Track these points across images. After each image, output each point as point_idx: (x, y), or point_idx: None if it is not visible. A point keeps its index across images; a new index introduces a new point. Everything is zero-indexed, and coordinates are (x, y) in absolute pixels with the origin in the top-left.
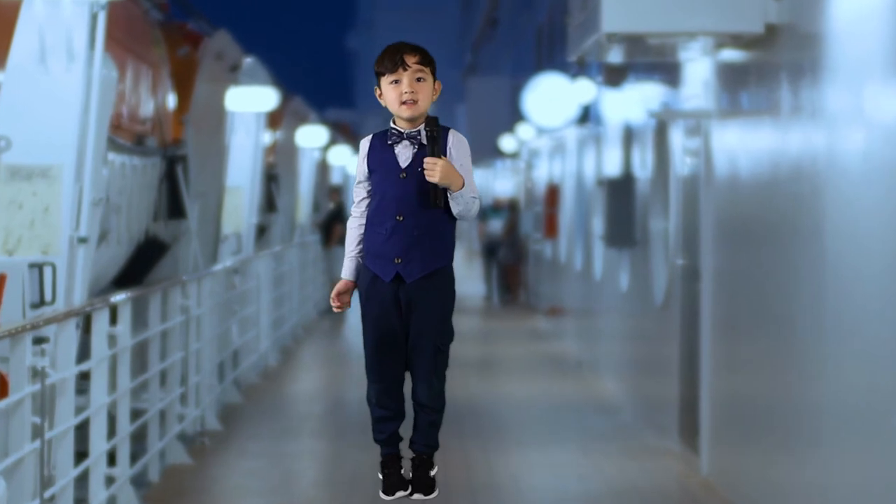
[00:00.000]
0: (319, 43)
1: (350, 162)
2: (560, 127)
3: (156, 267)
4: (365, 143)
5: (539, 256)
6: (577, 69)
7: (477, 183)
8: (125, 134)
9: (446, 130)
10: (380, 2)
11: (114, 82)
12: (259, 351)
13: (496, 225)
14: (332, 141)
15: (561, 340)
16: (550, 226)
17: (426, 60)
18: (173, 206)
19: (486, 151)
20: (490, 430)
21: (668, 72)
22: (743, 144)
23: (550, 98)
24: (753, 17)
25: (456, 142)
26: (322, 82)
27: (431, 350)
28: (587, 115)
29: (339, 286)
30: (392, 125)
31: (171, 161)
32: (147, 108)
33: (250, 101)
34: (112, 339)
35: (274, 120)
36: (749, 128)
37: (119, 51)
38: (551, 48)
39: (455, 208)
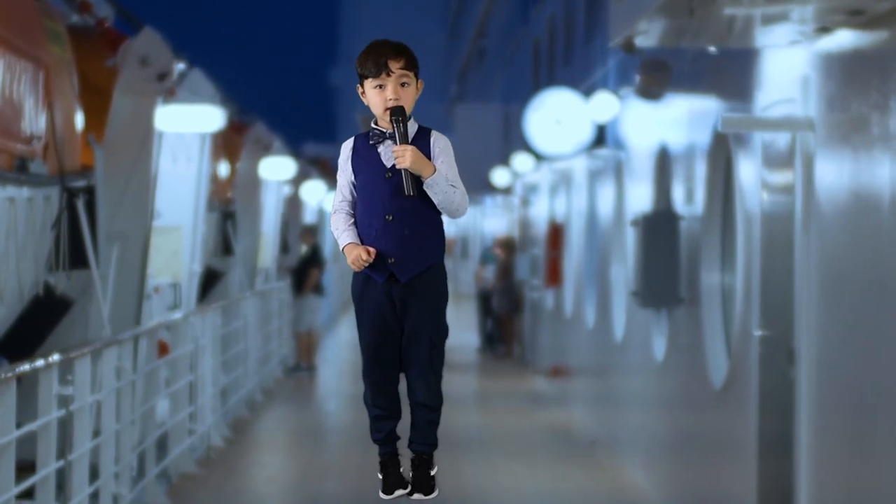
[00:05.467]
0: (299, 76)
1: (328, 199)
2: (570, 153)
3: (57, 328)
4: (347, 146)
5: (537, 307)
6: (590, 86)
7: (465, 221)
8: None
9: (427, 132)
10: (361, 34)
11: None
12: (198, 431)
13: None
14: (305, 175)
15: (567, 408)
16: (553, 272)
17: (410, 64)
18: (77, 252)
19: (475, 186)
20: None
21: (732, 72)
22: (879, 170)
23: (558, 118)
24: None
25: (439, 141)
26: (302, 116)
27: (427, 347)
28: (602, 138)
29: (356, 248)
30: (374, 125)
31: (71, 193)
32: (34, 123)
33: (187, 120)
34: None
35: (232, 149)
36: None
37: None
38: (552, 63)
39: (434, 198)
